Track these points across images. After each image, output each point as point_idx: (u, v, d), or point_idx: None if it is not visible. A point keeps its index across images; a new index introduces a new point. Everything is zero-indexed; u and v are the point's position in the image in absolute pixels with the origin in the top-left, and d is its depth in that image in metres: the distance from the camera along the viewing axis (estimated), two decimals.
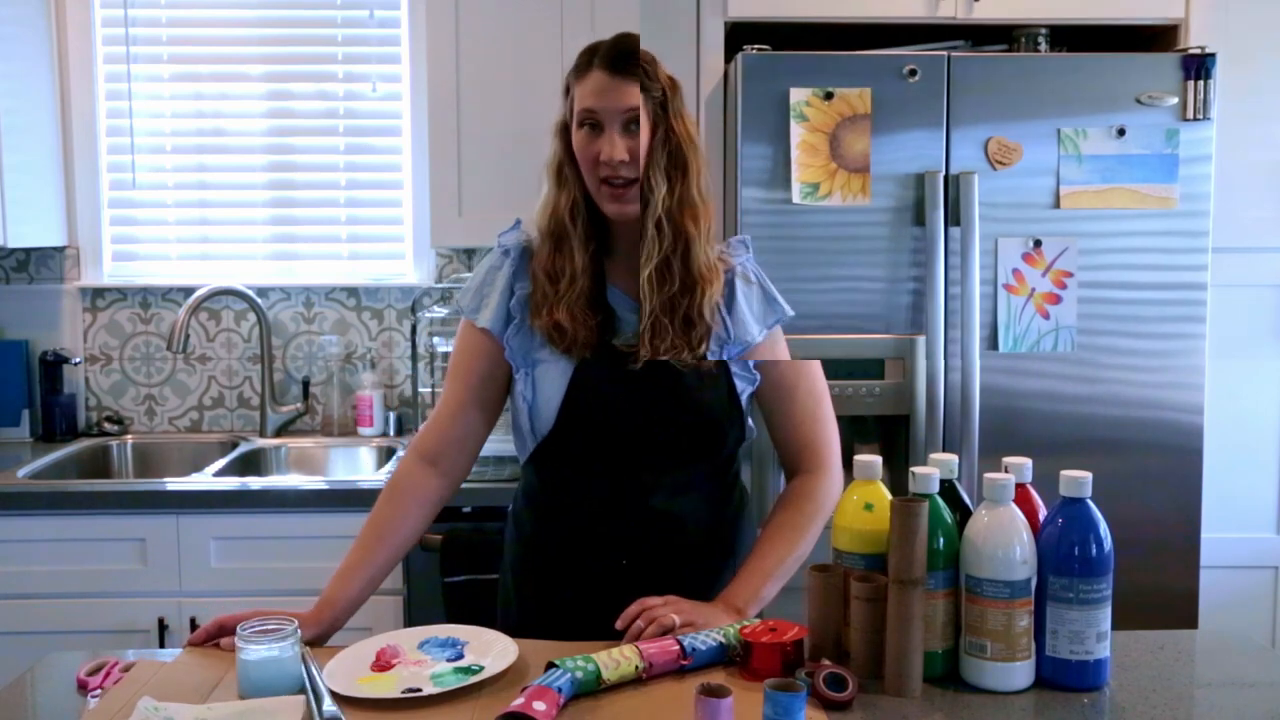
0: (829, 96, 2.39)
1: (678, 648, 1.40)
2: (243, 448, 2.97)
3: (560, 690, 1.30)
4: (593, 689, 1.34)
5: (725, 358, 1.65)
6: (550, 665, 1.34)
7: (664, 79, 1.61)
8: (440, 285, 3.08)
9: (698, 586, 1.63)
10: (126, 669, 1.39)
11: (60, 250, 3.10)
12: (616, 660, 1.36)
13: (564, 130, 1.63)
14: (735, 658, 1.42)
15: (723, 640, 1.42)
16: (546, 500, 1.70)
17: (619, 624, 1.48)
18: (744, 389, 1.67)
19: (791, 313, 1.73)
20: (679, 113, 1.61)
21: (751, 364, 1.67)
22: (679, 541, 1.65)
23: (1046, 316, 2.46)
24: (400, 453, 2.86)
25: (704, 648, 1.41)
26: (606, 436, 1.61)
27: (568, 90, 1.63)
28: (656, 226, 1.59)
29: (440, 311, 2.96)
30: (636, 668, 1.37)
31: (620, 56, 1.57)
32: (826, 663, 1.36)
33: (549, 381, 1.62)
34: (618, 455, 1.62)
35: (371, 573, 1.64)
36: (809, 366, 1.73)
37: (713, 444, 1.66)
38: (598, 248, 1.64)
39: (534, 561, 1.71)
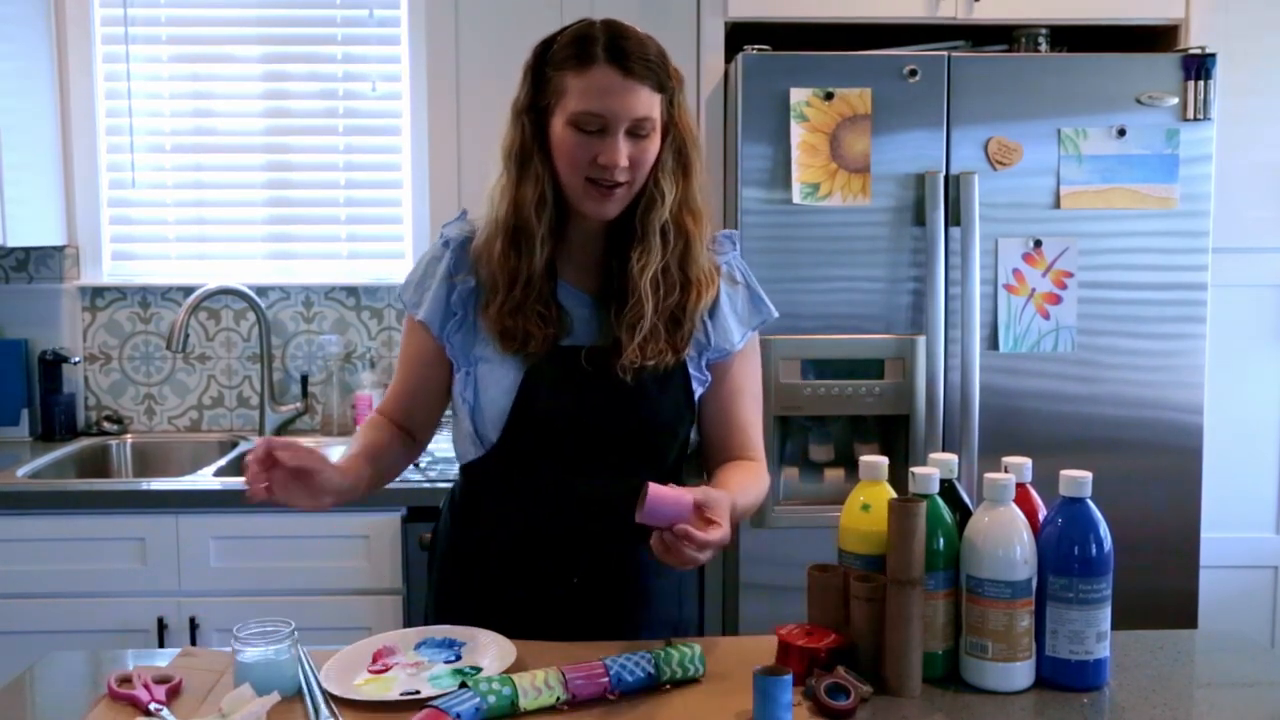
0: (829, 96, 2.39)
1: (606, 679, 1.34)
2: (242, 447, 2.97)
3: (459, 717, 1.23)
4: (505, 714, 1.28)
5: (703, 363, 1.59)
6: (463, 685, 1.29)
7: (674, 75, 1.50)
8: None
9: (648, 595, 1.61)
10: (160, 680, 1.38)
11: (60, 249, 3.10)
12: (539, 688, 1.30)
13: (530, 113, 1.50)
14: (667, 685, 1.37)
15: (652, 671, 1.36)
16: (492, 505, 1.60)
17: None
18: (698, 390, 1.59)
19: (776, 314, 1.65)
20: (683, 107, 1.52)
21: (704, 363, 1.59)
22: (627, 550, 1.56)
23: (1047, 316, 2.46)
24: None
25: (631, 678, 1.35)
26: (558, 442, 1.53)
27: (541, 75, 1.49)
28: (661, 232, 1.51)
29: None
30: (558, 699, 1.31)
31: (632, 54, 1.44)
32: (841, 670, 1.35)
33: (494, 383, 1.53)
34: (567, 460, 1.54)
35: (362, 476, 1.55)
36: (756, 368, 1.66)
37: (664, 447, 1.58)
38: (555, 245, 1.54)
39: (477, 567, 1.62)
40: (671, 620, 1.66)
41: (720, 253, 1.61)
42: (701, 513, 1.37)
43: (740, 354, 1.62)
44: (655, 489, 1.33)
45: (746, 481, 1.57)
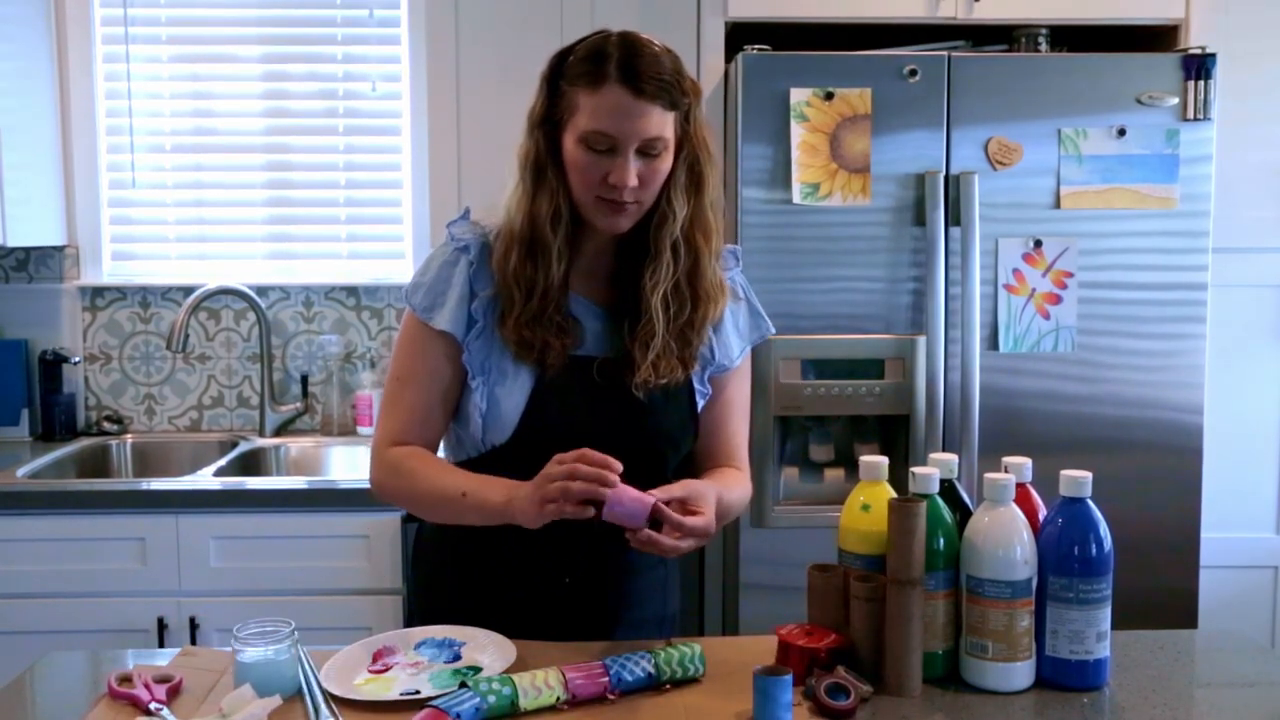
0: (829, 96, 2.39)
1: (606, 679, 1.34)
2: (242, 447, 2.97)
3: (459, 717, 1.24)
4: (504, 714, 1.28)
5: (705, 377, 1.60)
6: (463, 685, 1.29)
7: (690, 89, 1.48)
8: None
9: (636, 594, 1.61)
10: (160, 680, 1.38)
11: (60, 249, 3.10)
12: (539, 688, 1.30)
13: (545, 126, 1.49)
14: (667, 685, 1.37)
15: (652, 671, 1.36)
16: None
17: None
18: (700, 403, 1.60)
19: (774, 330, 1.68)
20: (699, 121, 1.49)
21: (706, 377, 1.61)
22: (618, 551, 1.54)
23: (1047, 316, 2.46)
24: None
25: (631, 678, 1.35)
26: (563, 450, 1.48)
27: (555, 87, 1.48)
28: (673, 249, 1.51)
29: None
30: (558, 699, 1.31)
31: (644, 73, 1.42)
32: (841, 670, 1.35)
33: (508, 394, 1.52)
34: None
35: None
36: (748, 381, 1.67)
37: (667, 459, 1.58)
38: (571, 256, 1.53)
39: (472, 566, 1.61)
40: (658, 616, 1.66)
41: (724, 269, 1.61)
42: (686, 505, 1.40)
43: (736, 369, 1.64)
44: (613, 492, 1.35)
45: (730, 482, 1.59)
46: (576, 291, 1.56)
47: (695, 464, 1.65)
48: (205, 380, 3.14)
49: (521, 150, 1.52)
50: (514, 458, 1.52)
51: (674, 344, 1.53)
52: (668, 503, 1.39)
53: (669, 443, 1.58)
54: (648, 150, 1.45)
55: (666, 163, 1.48)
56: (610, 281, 1.58)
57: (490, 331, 1.54)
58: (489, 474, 1.52)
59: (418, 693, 1.34)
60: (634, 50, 1.44)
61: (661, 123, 1.44)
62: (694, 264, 1.53)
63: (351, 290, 3.14)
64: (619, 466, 1.36)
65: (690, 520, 1.37)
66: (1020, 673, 1.37)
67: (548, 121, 1.49)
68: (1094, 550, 1.36)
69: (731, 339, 1.62)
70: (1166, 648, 1.54)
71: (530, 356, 1.51)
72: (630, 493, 1.36)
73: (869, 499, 1.42)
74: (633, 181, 1.44)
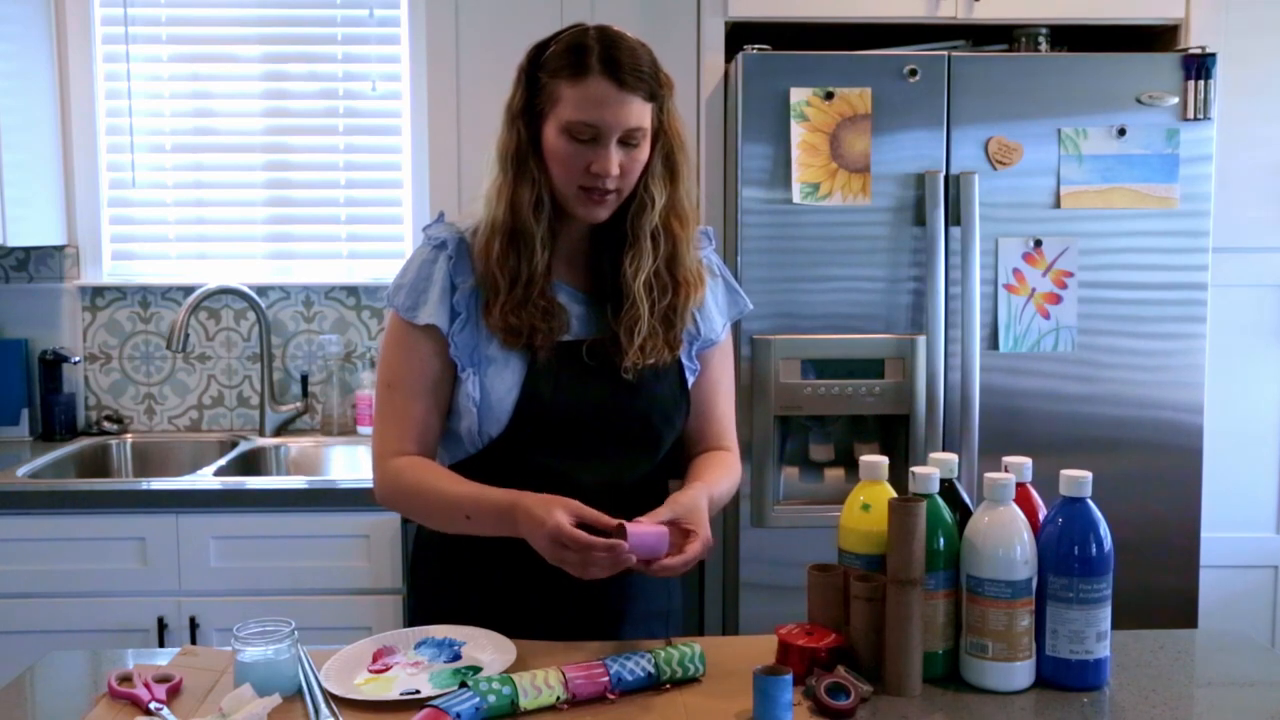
0: (829, 96, 2.39)
1: (606, 678, 1.34)
2: (242, 447, 2.97)
3: (459, 717, 1.24)
4: (504, 713, 1.29)
5: (693, 353, 1.63)
6: (463, 685, 1.30)
7: (664, 82, 1.53)
8: None
9: (642, 587, 1.62)
10: (160, 679, 1.38)
11: (60, 249, 3.10)
12: (539, 688, 1.30)
13: (524, 117, 1.52)
14: (667, 685, 1.38)
15: (652, 671, 1.37)
16: None
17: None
18: (690, 379, 1.63)
19: (751, 306, 1.73)
20: (672, 113, 1.55)
21: (694, 353, 1.64)
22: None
23: (1047, 316, 2.46)
24: None
25: (631, 677, 1.35)
26: (559, 434, 1.54)
27: (534, 80, 1.52)
28: (652, 236, 1.55)
29: None
30: (558, 698, 1.31)
31: (625, 65, 1.47)
32: (841, 670, 1.35)
33: (500, 380, 1.54)
34: (567, 452, 1.55)
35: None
36: (731, 360, 1.72)
37: (663, 437, 1.61)
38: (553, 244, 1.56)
39: (472, 563, 1.61)
40: (662, 610, 1.68)
41: (700, 248, 1.65)
42: (679, 525, 1.43)
43: (719, 347, 1.68)
44: (632, 529, 1.37)
45: (719, 474, 1.62)
46: (557, 278, 1.59)
47: (685, 445, 1.68)
48: (205, 380, 3.14)
49: (501, 142, 1.56)
50: (510, 447, 1.55)
51: (659, 327, 1.56)
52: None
53: (664, 419, 1.60)
54: (628, 140, 1.49)
55: (645, 152, 1.52)
56: (590, 268, 1.61)
57: (475, 322, 1.56)
58: (487, 470, 1.54)
59: (418, 692, 1.34)
60: (614, 43, 1.49)
61: (641, 113, 1.49)
62: (673, 250, 1.57)
63: (351, 290, 3.14)
64: (623, 539, 1.36)
65: (687, 555, 1.41)
66: (1020, 672, 1.37)
67: (527, 113, 1.53)
68: (1094, 550, 1.36)
69: (714, 313, 1.66)
70: (1166, 648, 1.54)
71: (518, 342, 1.53)
72: (645, 531, 1.38)
73: (869, 499, 1.43)
74: (615, 170, 1.48)
